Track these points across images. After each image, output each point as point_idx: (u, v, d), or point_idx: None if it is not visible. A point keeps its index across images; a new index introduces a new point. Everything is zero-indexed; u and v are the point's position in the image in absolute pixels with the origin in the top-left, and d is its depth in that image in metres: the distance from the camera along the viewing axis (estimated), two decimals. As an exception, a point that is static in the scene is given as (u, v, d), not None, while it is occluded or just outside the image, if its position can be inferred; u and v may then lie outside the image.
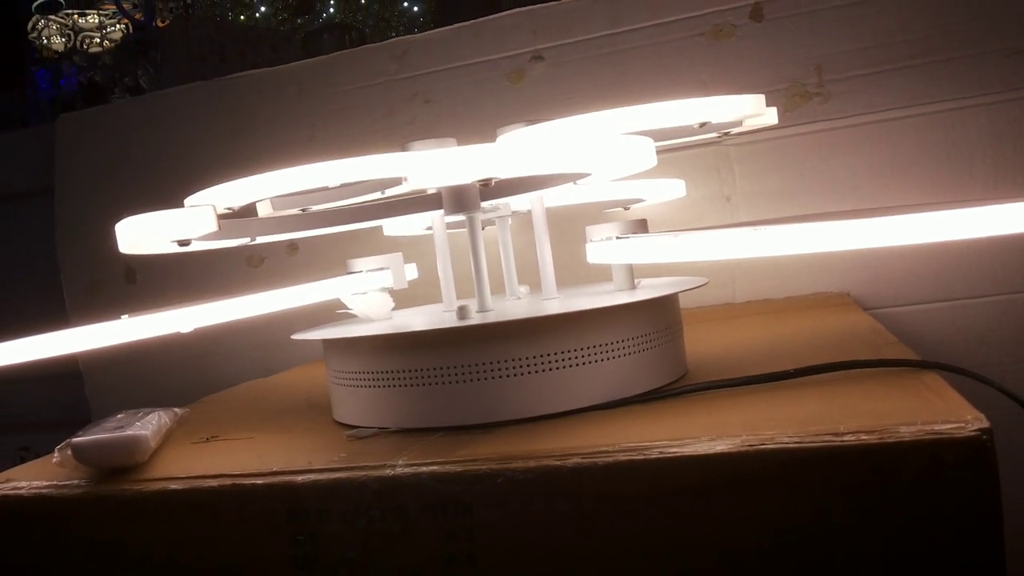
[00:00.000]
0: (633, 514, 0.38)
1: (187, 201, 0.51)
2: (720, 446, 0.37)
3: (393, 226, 0.76)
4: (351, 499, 0.41)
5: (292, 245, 1.04)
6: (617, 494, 0.38)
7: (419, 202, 0.57)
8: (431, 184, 0.47)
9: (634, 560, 0.38)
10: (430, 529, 0.40)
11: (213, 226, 0.43)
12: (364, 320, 0.64)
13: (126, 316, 0.56)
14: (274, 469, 0.44)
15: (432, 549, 0.40)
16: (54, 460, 0.47)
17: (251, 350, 1.05)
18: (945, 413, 0.37)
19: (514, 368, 0.49)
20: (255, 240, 0.51)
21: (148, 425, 0.51)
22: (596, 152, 0.47)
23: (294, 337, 0.57)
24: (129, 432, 0.47)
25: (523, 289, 0.72)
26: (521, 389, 0.49)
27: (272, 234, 0.53)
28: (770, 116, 0.56)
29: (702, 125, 0.51)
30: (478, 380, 0.49)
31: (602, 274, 0.65)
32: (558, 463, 0.39)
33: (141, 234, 0.44)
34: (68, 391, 1.18)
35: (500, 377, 0.49)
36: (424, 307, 0.69)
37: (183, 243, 0.43)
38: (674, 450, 0.38)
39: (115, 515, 0.45)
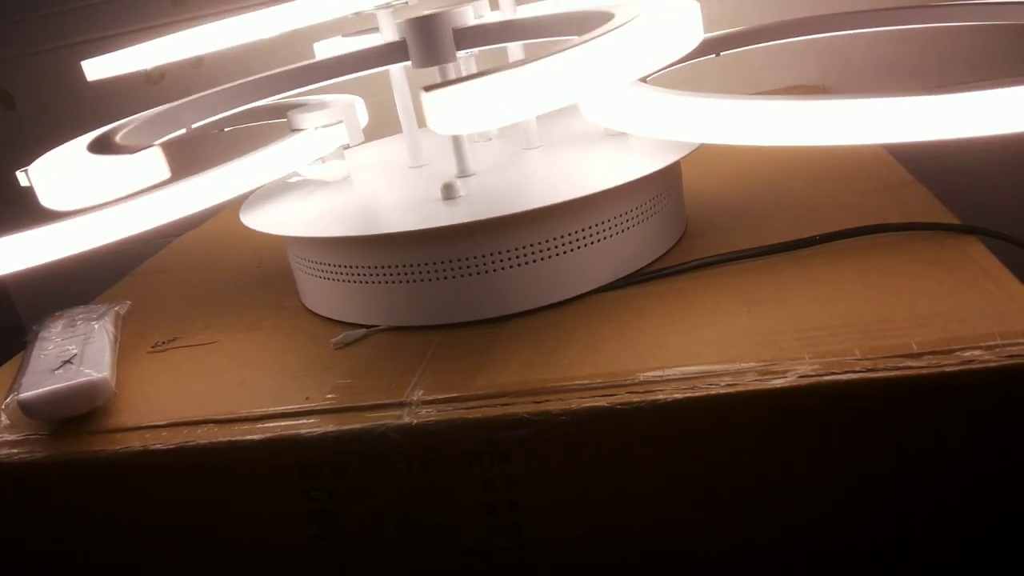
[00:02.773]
0: (687, 454, 0.35)
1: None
2: (781, 381, 0.34)
3: (330, 48, 0.65)
4: (370, 453, 0.37)
5: (197, 58, 0.90)
6: (669, 435, 0.35)
7: (380, 55, 0.48)
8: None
9: (691, 497, 0.36)
10: (465, 478, 0.36)
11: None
12: (319, 182, 0.56)
13: (23, 173, 0.47)
14: (269, 411, 0.39)
15: (470, 499, 0.37)
16: (3, 422, 0.40)
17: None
18: (1021, 321, 0.34)
19: (515, 258, 0.44)
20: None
21: (101, 355, 0.44)
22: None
23: (249, 224, 0.49)
24: (85, 378, 0.41)
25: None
26: (522, 279, 0.44)
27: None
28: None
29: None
30: (476, 274, 0.44)
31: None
32: (605, 404, 0.35)
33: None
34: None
35: (500, 270, 0.44)
36: (384, 159, 0.61)
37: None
38: (727, 386, 0.34)
39: (93, 481, 0.39)
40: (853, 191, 0.52)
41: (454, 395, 0.37)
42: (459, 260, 0.43)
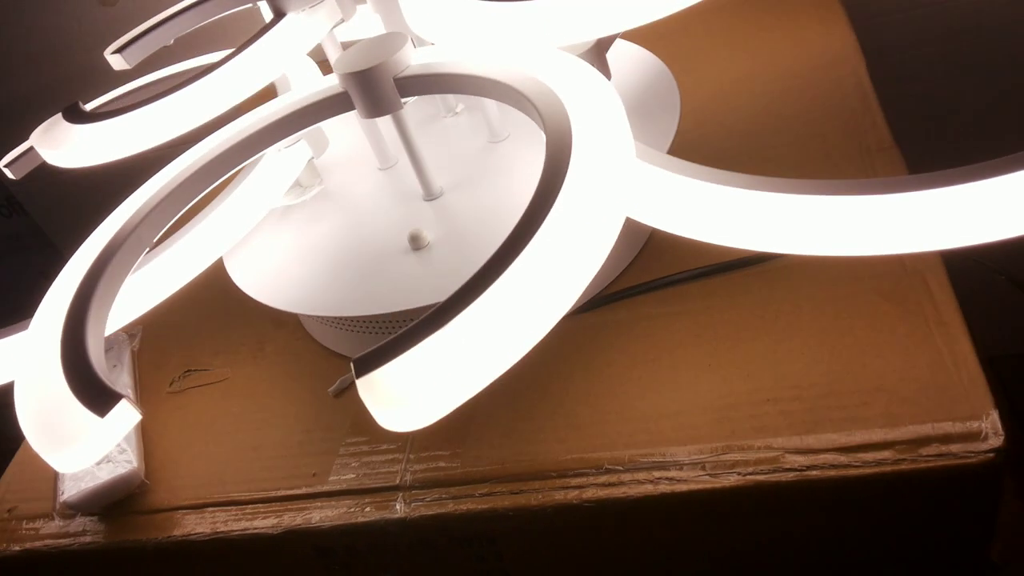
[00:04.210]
0: (648, 533, 0.40)
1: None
2: (732, 478, 0.37)
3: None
4: (375, 540, 0.42)
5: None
6: (638, 519, 0.39)
7: (327, 107, 0.46)
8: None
9: (664, 562, 0.41)
10: (460, 555, 0.42)
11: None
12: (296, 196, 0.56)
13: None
14: (282, 492, 0.44)
15: (467, 568, 0.42)
16: (57, 524, 0.46)
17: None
18: (958, 399, 0.36)
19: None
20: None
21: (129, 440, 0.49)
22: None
23: (237, 281, 0.51)
24: (120, 472, 0.46)
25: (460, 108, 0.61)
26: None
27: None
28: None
29: None
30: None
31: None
32: (575, 502, 0.39)
33: None
34: None
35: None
36: (353, 156, 0.59)
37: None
38: (681, 482, 0.37)
39: (143, 564, 0.46)
40: (827, 158, 0.51)
41: (441, 477, 0.41)
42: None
